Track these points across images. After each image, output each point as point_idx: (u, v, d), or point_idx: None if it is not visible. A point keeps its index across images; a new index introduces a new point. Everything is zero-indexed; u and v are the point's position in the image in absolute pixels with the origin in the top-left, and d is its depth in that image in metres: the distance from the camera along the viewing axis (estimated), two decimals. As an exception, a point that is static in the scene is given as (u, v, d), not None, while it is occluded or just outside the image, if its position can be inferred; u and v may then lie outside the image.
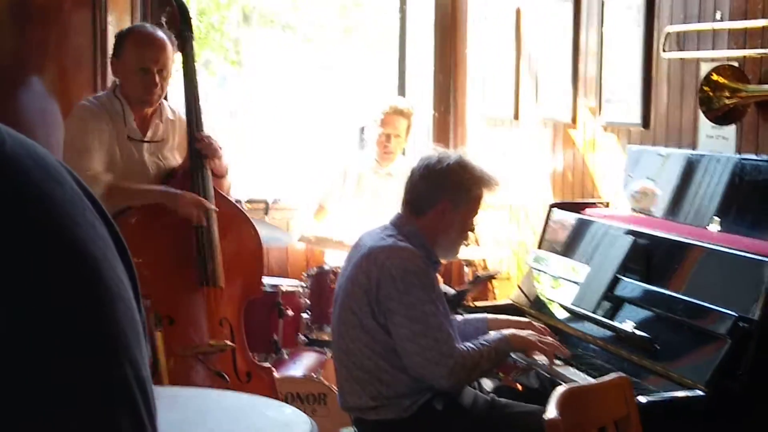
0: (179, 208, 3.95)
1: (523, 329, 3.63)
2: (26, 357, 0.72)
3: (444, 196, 3.50)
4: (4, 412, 0.71)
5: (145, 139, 4.12)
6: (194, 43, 4.28)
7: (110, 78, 4.73)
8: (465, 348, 3.40)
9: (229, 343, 4.03)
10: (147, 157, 4.12)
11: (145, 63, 4.01)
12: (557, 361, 3.57)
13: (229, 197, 4.29)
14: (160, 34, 4.08)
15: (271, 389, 4.15)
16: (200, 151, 4.08)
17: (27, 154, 0.78)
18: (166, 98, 4.25)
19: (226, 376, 3.98)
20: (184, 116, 4.21)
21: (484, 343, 3.47)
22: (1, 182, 0.75)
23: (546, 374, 3.58)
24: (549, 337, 3.63)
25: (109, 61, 4.20)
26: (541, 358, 3.61)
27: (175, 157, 4.22)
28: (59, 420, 0.73)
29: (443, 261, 3.76)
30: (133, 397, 0.77)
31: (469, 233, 3.66)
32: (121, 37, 4.13)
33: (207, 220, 4.02)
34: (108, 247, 0.80)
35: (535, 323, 3.74)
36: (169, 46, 4.07)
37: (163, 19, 4.23)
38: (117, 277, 0.80)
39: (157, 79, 4.02)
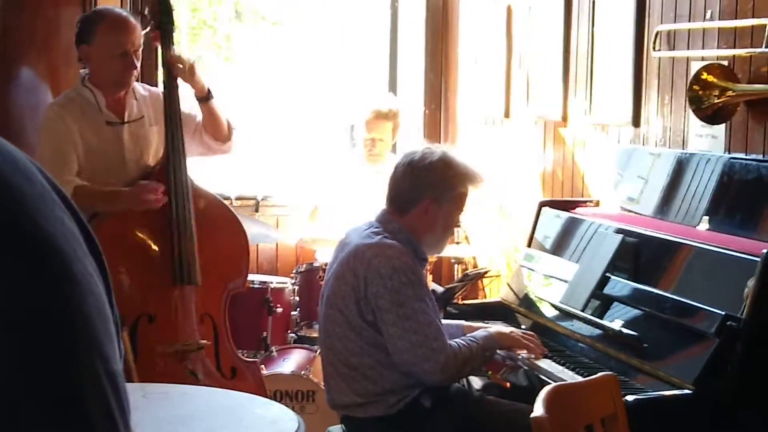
0: (139, 205, 3.94)
1: None
2: None
3: (427, 194, 3.49)
4: None
5: (125, 121, 4.11)
6: (174, 36, 4.26)
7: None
8: (455, 344, 3.40)
9: (204, 341, 4.02)
10: (126, 139, 4.12)
11: (124, 47, 4.01)
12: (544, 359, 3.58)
13: (208, 192, 4.27)
14: (129, 15, 4.12)
15: (257, 385, 4.14)
16: (172, 72, 4.08)
17: None
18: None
19: (199, 376, 3.96)
20: (156, 91, 4.23)
21: (473, 339, 3.48)
22: None
23: (532, 370, 3.58)
24: (530, 334, 3.67)
25: (76, 49, 4.14)
26: (525, 355, 3.62)
27: (155, 134, 4.21)
28: (27, 415, 0.72)
29: (429, 257, 3.76)
30: (103, 391, 0.77)
31: (455, 229, 3.67)
32: (89, 22, 4.10)
33: (178, 210, 4.00)
34: (77, 243, 0.80)
35: (504, 329, 3.75)
36: (139, 25, 4.09)
37: (146, 11, 4.24)
38: (87, 271, 0.79)
39: (134, 60, 4.03)
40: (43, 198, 0.80)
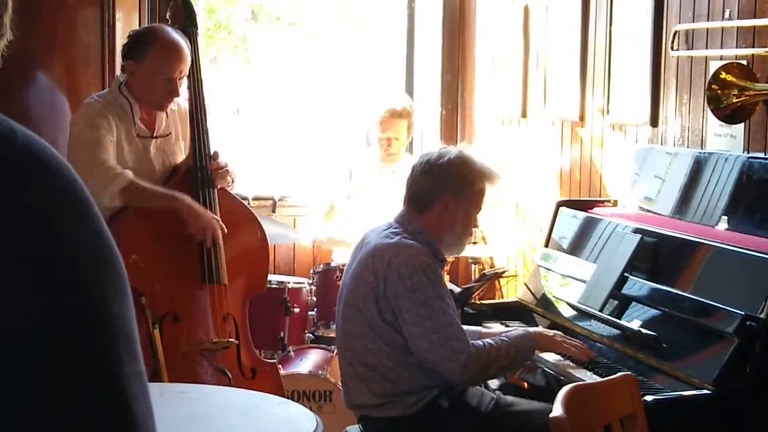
0: (193, 226, 3.93)
1: None
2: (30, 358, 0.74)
3: (447, 191, 3.49)
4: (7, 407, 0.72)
5: (154, 136, 4.12)
6: (198, 40, 4.26)
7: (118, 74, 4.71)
8: (481, 344, 3.39)
9: (232, 340, 4.03)
10: (153, 153, 4.12)
11: (172, 74, 3.99)
12: (572, 364, 3.57)
13: (230, 193, 4.28)
14: (182, 42, 4.05)
15: (276, 386, 4.15)
16: (213, 179, 4.08)
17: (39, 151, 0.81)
18: None
19: (229, 373, 3.97)
20: (185, 106, 4.21)
21: (504, 339, 3.46)
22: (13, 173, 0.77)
23: (553, 373, 3.57)
24: (576, 340, 3.63)
25: (122, 60, 4.11)
26: (550, 357, 3.61)
27: (181, 149, 4.21)
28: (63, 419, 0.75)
29: (449, 257, 3.76)
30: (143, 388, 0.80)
31: (473, 229, 3.66)
32: (143, 41, 4.04)
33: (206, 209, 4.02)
34: (104, 246, 0.84)
35: (545, 331, 3.72)
36: (189, 52, 4.07)
37: (168, 15, 4.22)
38: (108, 275, 0.84)
39: (178, 87, 4.02)
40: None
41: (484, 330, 3.79)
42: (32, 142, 0.83)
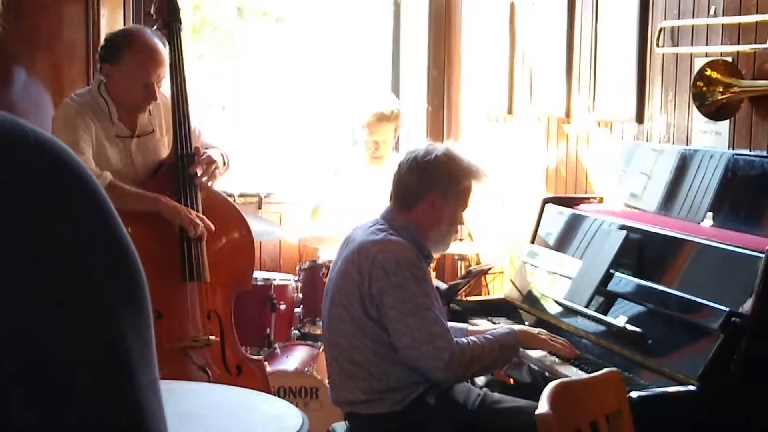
0: (179, 220, 3.91)
1: None
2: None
3: (433, 188, 3.49)
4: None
5: (135, 135, 4.10)
6: (183, 35, 4.23)
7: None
8: (465, 341, 3.39)
9: (212, 337, 4.01)
10: (134, 151, 4.10)
11: (149, 78, 3.97)
12: (557, 360, 3.57)
13: (215, 190, 4.26)
14: (159, 45, 4.02)
15: (263, 382, 4.14)
16: (197, 175, 4.06)
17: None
18: None
19: (209, 371, 3.96)
20: (167, 98, 4.20)
21: (489, 337, 3.46)
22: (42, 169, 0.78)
23: (539, 369, 3.57)
24: (560, 338, 3.64)
25: (98, 63, 4.08)
26: (535, 353, 3.61)
27: (165, 144, 4.19)
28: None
29: (435, 254, 3.76)
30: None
31: (459, 226, 3.66)
32: (118, 44, 4.01)
33: (187, 207, 3.99)
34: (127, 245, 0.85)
35: (529, 329, 3.73)
36: (167, 55, 4.04)
37: (152, 10, 4.20)
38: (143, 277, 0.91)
39: (156, 91, 4.00)
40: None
41: (470, 327, 3.79)
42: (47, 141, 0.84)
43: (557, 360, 3.58)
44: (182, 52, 4.14)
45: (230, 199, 4.46)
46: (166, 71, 4.03)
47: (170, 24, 4.12)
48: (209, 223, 3.99)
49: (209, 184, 4.14)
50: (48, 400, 0.77)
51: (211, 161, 4.11)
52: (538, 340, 3.58)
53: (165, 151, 4.18)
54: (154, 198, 3.92)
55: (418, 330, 3.32)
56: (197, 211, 4.00)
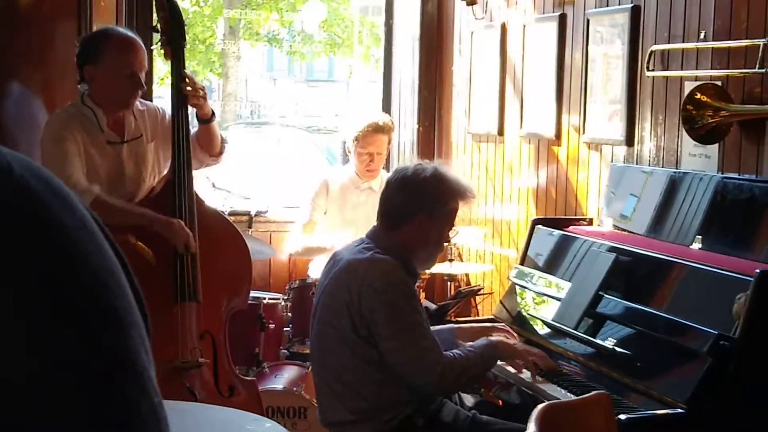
0: (167, 237, 3.90)
1: (490, 332, 3.73)
2: (42, 383, 0.73)
3: (421, 208, 3.50)
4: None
5: (125, 140, 4.09)
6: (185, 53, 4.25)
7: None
8: (452, 355, 3.41)
9: (201, 360, 3.99)
10: (125, 157, 4.09)
11: (132, 67, 3.98)
12: (539, 377, 3.58)
13: (212, 208, 4.25)
14: (135, 35, 4.08)
15: (255, 403, 4.13)
16: (186, 98, 4.06)
17: (36, 178, 0.78)
18: None
19: (196, 393, 3.93)
20: (153, 106, 4.21)
21: (471, 349, 3.49)
22: (14, 211, 0.75)
23: (527, 389, 3.58)
24: (535, 348, 3.67)
25: (78, 68, 4.08)
26: (523, 373, 3.62)
27: (151, 150, 4.19)
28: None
29: (420, 272, 3.78)
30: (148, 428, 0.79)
31: (445, 244, 3.69)
32: (95, 42, 4.04)
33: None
34: (118, 271, 0.82)
35: (497, 325, 3.84)
36: (143, 45, 4.08)
37: (157, 25, 4.18)
38: (129, 303, 0.82)
39: (141, 81, 4.01)
40: (84, 228, 0.81)
41: (457, 327, 3.84)
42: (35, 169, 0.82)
43: (539, 378, 3.59)
44: (184, 69, 4.15)
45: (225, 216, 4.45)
46: (146, 61, 4.04)
47: (175, 40, 4.11)
48: (193, 243, 3.97)
49: (192, 102, 4.12)
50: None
51: (203, 89, 4.14)
52: (514, 351, 3.63)
53: (152, 156, 4.17)
54: (140, 212, 3.92)
55: (411, 346, 3.34)
56: (193, 231, 3.98)
